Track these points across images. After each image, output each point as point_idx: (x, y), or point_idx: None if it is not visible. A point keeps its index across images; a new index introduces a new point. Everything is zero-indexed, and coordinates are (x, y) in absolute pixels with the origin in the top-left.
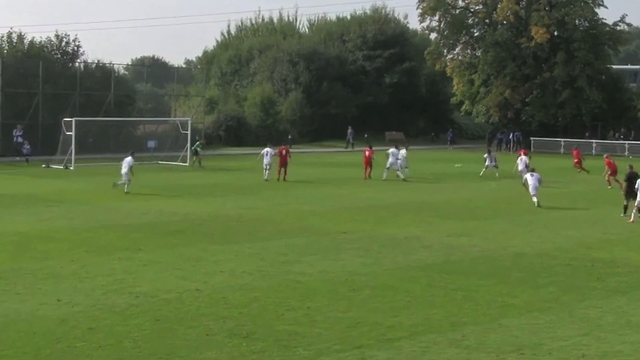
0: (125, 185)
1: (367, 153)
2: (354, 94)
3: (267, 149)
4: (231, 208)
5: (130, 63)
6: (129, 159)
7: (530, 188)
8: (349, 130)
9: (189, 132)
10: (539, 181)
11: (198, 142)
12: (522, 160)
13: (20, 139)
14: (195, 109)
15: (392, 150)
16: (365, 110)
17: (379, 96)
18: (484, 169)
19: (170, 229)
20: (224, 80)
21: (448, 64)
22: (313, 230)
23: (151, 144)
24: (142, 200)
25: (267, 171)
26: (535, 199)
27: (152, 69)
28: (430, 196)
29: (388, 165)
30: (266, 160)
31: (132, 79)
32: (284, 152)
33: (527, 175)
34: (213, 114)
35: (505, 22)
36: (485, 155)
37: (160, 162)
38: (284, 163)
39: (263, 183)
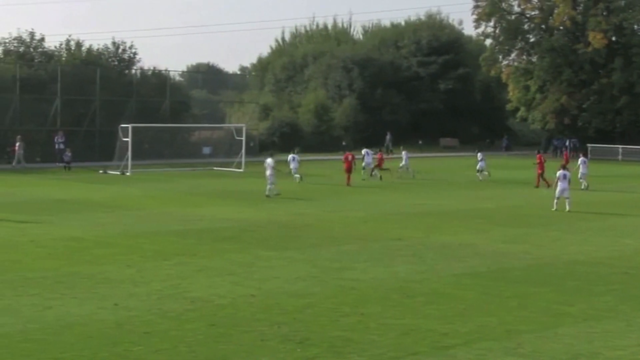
0: (271, 189)
1: (349, 157)
2: (407, 100)
3: (269, 160)
4: (283, 214)
5: (185, 70)
6: (269, 160)
7: (558, 190)
8: (387, 137)
9: (243, 138)
10: (569, 181)
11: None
12: (583, 163)
13: (62, 146)
14: (250, 116)
15: (366, 150)
16: (419, 116)
17: (433, 102)
18: (478, 174)
19: (224, 235)
20: (278, 86)
21: (503, 70)
22: (365, 237)
23: (206, 150)
24: (197, 207)
25: (269, 186)
26: (557, 203)
27: (207, 76)
28: (483, 203)
29: (364, 164)
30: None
31: (187, 85)
32: (349, 157)
33: (560, 174)
34: (267, 120)
35: (561, 27)
36: (479, 157)
37: (215, 168)
38: (349, 169)
39: (313, 189)
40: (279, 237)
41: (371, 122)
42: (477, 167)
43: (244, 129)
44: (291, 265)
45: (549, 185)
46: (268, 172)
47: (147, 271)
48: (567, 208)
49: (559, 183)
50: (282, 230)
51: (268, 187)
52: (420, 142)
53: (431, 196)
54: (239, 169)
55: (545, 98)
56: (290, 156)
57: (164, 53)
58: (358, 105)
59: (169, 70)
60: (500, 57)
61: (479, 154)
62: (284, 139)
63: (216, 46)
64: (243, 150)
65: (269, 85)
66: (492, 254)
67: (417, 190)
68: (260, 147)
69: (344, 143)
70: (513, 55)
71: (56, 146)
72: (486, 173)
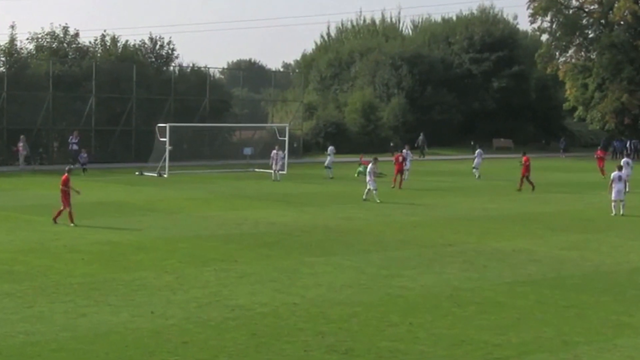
0: (374, 194)
1: (400, 159)
2: (459, 99)
3: (274, 151)
4: (329, 218)
5: (226, 67)
6: (371, 166)
7: (614, 193)
8: (420, 137)
9: (286, 138)
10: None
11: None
12: (627, 165)
13: (75, 147)
14: (293, 115)
15: (330, 147)
16: (471, 116)
17: (486, 101)
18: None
19: (266, 240)
20: (323, 84)
21: (560, 67)
22: (415, 242)
23: (247, 151)
24: (238, 210)
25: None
26: (614, 207)
27: (248, 73)
28: (540, 207)
29: (327, 164)
30: (276, 165)
31: (228, 83)
32: (400, 159)
33: (614, 175)
34: (312, 120)
35: (622, 22)
36: (477, 153)
37: (256, 169)
38: (400, 170)
39: (361, 194)
40: (324, 242)
41: (421, 121)
42: (474, 163)
43: (287, 129)
44: (337, 271)
45: (533, 188)
46: (368, 178)
47: (186, 278)
48: (621, 212)
49: (613, 185)
50: (327, 235)
51: (373, 191)
52: (472, 142)
53: (485, 200)
54: (283, 171)
55: (604, 97)
56: (273, 152)
57: (203, 49)
58: (407, 105)
59: (208, 67)
60: (557, 53)
61: (477, 150)
62: (329, 139)
63: (258, 42)
64: (286, 151)
65: (314, 83)
66: (549, 261)
67: (470, 194)
68: (305, 148)
69: (392, 144)
70: (570, 51)
71: (70, 147)
72: (476, 172)
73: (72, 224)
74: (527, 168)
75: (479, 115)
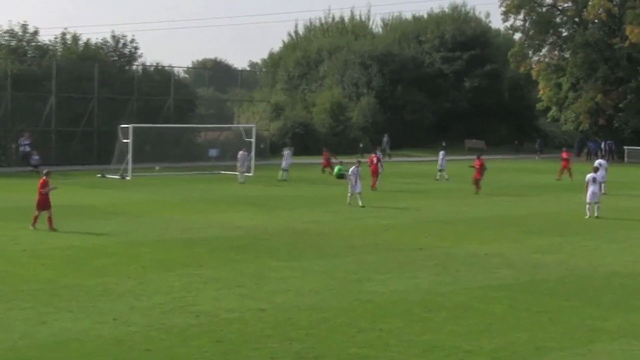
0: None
1: (374, 160)
2: (430, 99)
3: (241, 152)
4: (298, 222)
5: (191, 66)
6: (354, 169)
7: (589, 195)
8: (385, 139)
9: (253, 139)
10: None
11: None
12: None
13: (27, 148)
14: (260, 115)
15: (287, 151)
16: (443, 116)
17: (458, 101)
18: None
19: (232, 244)
20: (291, 84)
21: (534, 66)
22: (386, 246)
23: (213, 152)
24: (204, 213)
25: (242, 175)
26: (589, 209)
27: (214, 72)
28: (515, 210)
29: (284, 166)
30: (242, 167)
31: (193, 82)
32: (374, 159)
33: (589, 177)
34: (279, 120)
35: (596, 20)
36: (439, 154)
37: (222, 172)
38: (375, 171)
39: (330, 196)
40: (293, 246)
41: (391, 122)
42: (439, 165)
43: (253, 130)
44: (305, 276)
45: (478, 190)
46: (353, 181)
47: (150, 283)
48: (596, 214)
49: (589, 187)
50: (295, 239)
51: (358, 194)
52: (443, 143)
53: (458, 202)
54: (249, 173)
55: (578, 97)
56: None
57: (167, 48)
58: (377, 105)
59: (173, 67)
60: (531, 52)
61: (441, 152)
62: (296, 141)
63: (224, 40)
64: (253, 152)
65: (281, 82)
66: (523, 265)
67: (442, 196)
68: (272, 149)
69: (361, 145)
70: (544, 50)
71: (21, 149)
72: (440, 174)
73: (52, 229)
74: (480, 171)
75: (451, 115)
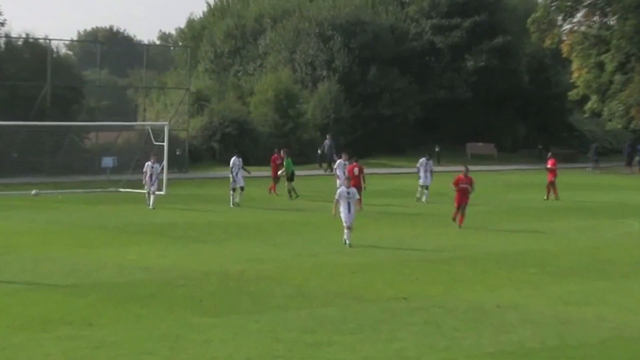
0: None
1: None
2: (417, 84)
3: (149, 163)
4: (229, 260)
5: (76, 38)
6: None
7: None
8: (327, 141)
9: (165, 143)
10: None
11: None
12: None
13: None
14: (176, 109)
15: (233, 158)
16: (435, 110)
17: (457, 89)
18: (419, 189)
19: (136, 293)
20: (219, 64)
21: (564, 38)
22: (354, 294)
23: (107, 162)
24: (95, 248)
25: (151, 195)
26: None
27: (109, 48)
28: (535, 241)
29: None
30: (151, 183)
31: (80, 62)
32: (356, 170)
33: None
34: (202, 115)
35: None
36: (419, 164)
37: (121, 189)
38: (358, 186)
39: (276, 223)
40: (222, 296)
41: (361, 118)
42: (421, 180)
43: (166, 129)
44: (240, 338)
45: (555, 196)
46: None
47: (17, 350)
48: None
49: None
50: (226, 285)
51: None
52: (437, 148)
53: (455, 232)
54: (160, 191)
55: (628, 81)
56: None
57: (42, 13)
58: (341, 93)
59: (50, 39)
60: (560, 18)
61: (423, 159)
62: (227, 145)
63: (124, 3)
64: (165, 162)
65: (205, 62)
66: (549, 321)
67: (433, 223)
68: (193, 157)
69: (319, 151)
70: (579, 15)
71: None
72: (421, 191)
73: None
74: (554, 172)
75: (446, 108)
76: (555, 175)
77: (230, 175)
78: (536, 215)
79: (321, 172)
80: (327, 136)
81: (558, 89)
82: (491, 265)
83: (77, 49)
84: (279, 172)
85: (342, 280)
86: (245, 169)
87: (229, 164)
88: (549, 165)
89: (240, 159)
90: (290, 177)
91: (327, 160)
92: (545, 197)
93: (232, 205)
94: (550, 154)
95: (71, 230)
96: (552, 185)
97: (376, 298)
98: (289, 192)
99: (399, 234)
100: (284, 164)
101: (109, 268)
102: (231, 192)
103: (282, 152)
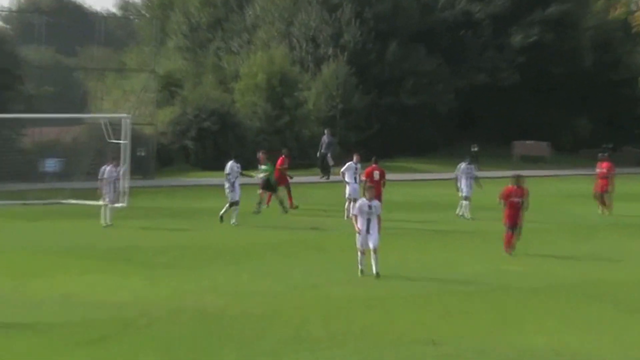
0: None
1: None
2: (450, 66)
3: (105, 168)
4: (207, 293)
5: (11, 7)
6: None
7: None
8: (324, 138)
9: (126, 141)
10: None
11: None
12: None
13: None
14: (138, 97)
15: (230, 163)
16: (472, 99)
17: (500, 72)
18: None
19: (85, 336)
20: (195, 40)
21: (636, 8)
22: (369, 336)
23: (51, 165)
24: (35, 277)
25: (107, 207)
26: None
27: (53, 20)
28: (606, 270)
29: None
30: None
31: (16, 36)
32: (376, 174)
33: None
34: (173, 105)
35: None
36: (459, 170)
37: (67, 200)
38: (379, 196)
39: (269, 244)
40: (197, 340)
41: (378, 109)
42: (464, 192)
43: (126, 124)
44: None
45: (605, 209)
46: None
47: None
48: None
49: None
50: (202, 325)
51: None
52: (474, 147)
53: (498, 255)
54: (121, 203)
55: None
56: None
57: None
58: (352, 77)
59: None
60: None
61: (463, 164)
62: (204, 144)
63: None
64: (127, 164)
65: (177, 36)
66: None
67: (471, 244)
68: (161, 159)
69: (319, 152)
70: None
71: None
72: (463, 204)
73: None
74: (609, 178)
75: (486, 97)
76: (608, 184)
77: (226, 184)
78: (604, 234)
79: (325, 178)
80: (325, 132)
81: (629, 73)
82: (545, 299)
83: (13, 21)
84: (255, 175)
85: (353, 318)
86: (247, 175)
87: (209, 167)
88: (603, 170)
89: (239, 165)
90: (269, 186)
91: (321, 164)
92: (600, 211)
93: (231, 223)
94: (601, 154)
95: (2, 254)
96: (603, 195)
97: (397, 340)
98: (281, 203)
99: (426, 259)
100: (262, 168)
101: (50, 303)
102: (227, 206)
103: (260, 153)
